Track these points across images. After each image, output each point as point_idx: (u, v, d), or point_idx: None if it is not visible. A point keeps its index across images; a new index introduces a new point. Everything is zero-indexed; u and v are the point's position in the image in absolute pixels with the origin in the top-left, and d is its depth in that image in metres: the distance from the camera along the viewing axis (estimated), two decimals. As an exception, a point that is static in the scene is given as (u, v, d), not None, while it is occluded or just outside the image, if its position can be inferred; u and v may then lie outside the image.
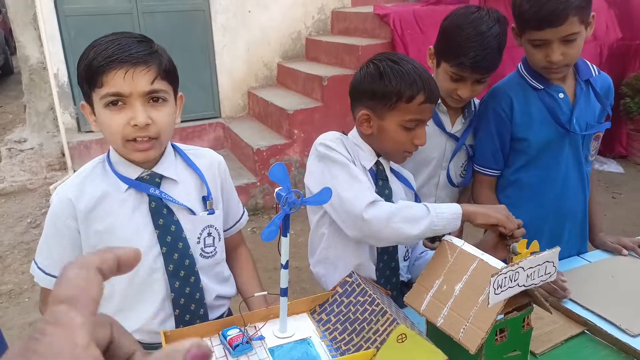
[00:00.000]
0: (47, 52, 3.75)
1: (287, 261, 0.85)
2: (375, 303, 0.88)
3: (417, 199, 1.29)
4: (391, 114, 1.15)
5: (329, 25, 4.77)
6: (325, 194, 0.85)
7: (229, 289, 1.20)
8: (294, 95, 4.26)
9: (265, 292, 1.06)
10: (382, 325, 0.84)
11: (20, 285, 2.88)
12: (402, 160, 1.24)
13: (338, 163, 1.14)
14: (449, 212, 1.06)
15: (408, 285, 1.26)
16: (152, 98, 0.98)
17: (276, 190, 0.80)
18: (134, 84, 0.94)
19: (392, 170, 1.28)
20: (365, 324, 0.87)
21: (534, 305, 0.91)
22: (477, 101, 1.53)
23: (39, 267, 1.06)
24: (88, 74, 0.96)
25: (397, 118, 1.15)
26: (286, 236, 0.83)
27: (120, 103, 0.96)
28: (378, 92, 1.15)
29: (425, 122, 1.19)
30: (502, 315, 0.87)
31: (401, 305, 1.01)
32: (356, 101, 1.23)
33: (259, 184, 3.80)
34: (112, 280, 1.07)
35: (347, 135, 1.27)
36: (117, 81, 0.93)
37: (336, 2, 4.73)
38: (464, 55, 1.28)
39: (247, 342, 0.86)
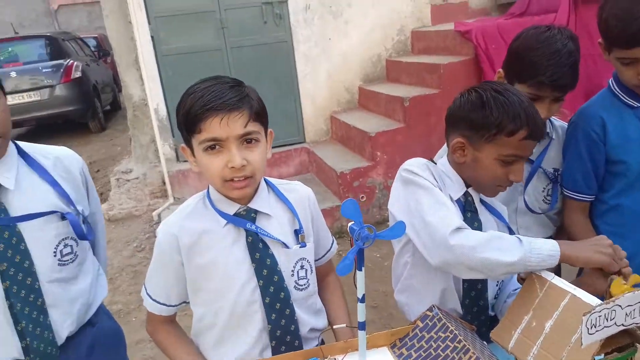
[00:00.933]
0: (148, 90, 4.11)
1: (364, 295, 0.86)
2: (457, 340, 0.86)
3: (511, 233, 1.23)
4: (489, 146, 1.11)
5: (409, 46, 4.75)
6: (398, 228, 0.85)
7: (322, 321, 1.21)
8: (375, 117, 4.28)
9: (344, 325, 1.06)
10: (465, 363, 0.81)
11: (128, 305, 3.13)
12: (494, 194, 1.19)
13: (423, 188, 1.11)
14: (546, 248, 0.98)
15: (494, 319, 1.20)
16: (246, 140, 1.04)
17: (349, 225, 0.81)
18: (229, 129, 1.01)
19: (482, 202, 1.23)
20: (447, 361, 0.84)
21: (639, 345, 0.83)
22: (555, 122, 1.45)
23: (147, 293, 1.16)
24: (187, 121, 1.04)
25: (495, 151, 1.10)
26: (361, 270, 0.84)
27: (217, 147, 1.03)
28: (477, 121, 1.11)
29: (525, 159, 1.14)
30: (600, 357, 0.81)
31: (487, 340, 0.97)
32: (452, 128, 1.20)
33: (343, 207, 3.83)
34: (215, 311, 1.15)
35: (433, 162, 1.25)
36: (214, 127, 1.00)
37: (415, 22, 4.71)
38: (542, 74, 1.24)
39: (328, 375, 0.87)
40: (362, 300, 0.86)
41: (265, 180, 1.17)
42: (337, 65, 4.57)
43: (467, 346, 0.83)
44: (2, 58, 7.25)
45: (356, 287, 0.87)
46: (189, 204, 1.16)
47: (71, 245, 1.21)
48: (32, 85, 6.98)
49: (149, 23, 4.07)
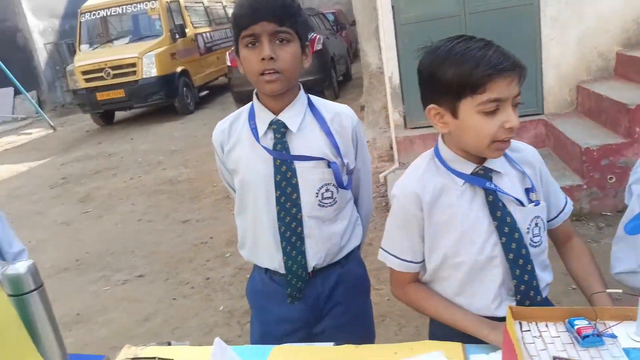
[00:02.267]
0: (385, 58, 4.30)
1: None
2: None
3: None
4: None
5: (693, 1, 3.90)
6: None
7: (550, 277, 1.19)
8: (637, 88, 3.67)
9: (620, 290, 0.99)
10: None
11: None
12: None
13: None
14: None
15: None
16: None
17: None
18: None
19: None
20: None
21: None
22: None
23: (390, 254, 1.21)
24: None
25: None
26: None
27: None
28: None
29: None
30: None
31: None
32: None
33: (585, 187, 3.45)
34: (453, 266, 1.22)
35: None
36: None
37: None
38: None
39: (597, 335, 0.83)
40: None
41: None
42: (590, 27, 4.03)
43: None
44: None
45: None
46: (420, 164, 1.19)
47: (332, 191, 1.35)
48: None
49: (391, -8, 4.22)
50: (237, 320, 2.94)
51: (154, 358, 0.89)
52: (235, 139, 1.38)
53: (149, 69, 8.73)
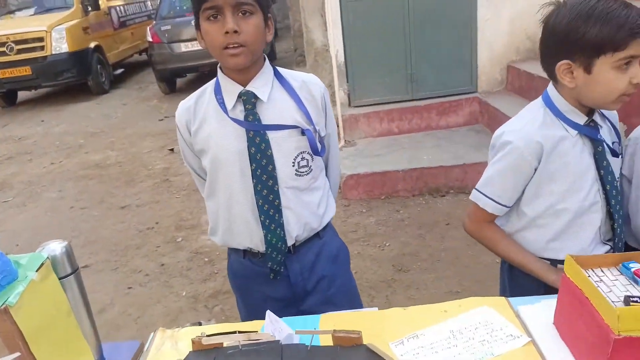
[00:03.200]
0: (330, 35, 4.29)
1: None
2: None
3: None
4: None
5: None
6: None
7: None
8: (562, 67, 4.01)
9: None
10: None
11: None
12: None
13: None
14: None
15: None
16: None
17: None
18: None
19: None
20: None
21: None
22: None
23: (486, 195, 1.27)
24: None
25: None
26: None
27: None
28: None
29: None
30: None
31: None
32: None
33: (521, 158, 3.73)
34: (556, 212, 1.27)
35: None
36: None
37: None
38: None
39: (652, 277, 0.91)
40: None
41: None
42: (521, 10, 4.31)
43: None
44: (185, 7, 8.01)
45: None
46: (535, 115, 1.22)
47: (307, 159, 1.34)
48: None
49: (336, -31, 4.20)
50: (203, 305, 2.85)
51: (234, 332, 0.84)
52: (202, 116, 1.33)
53: (59, 44, 7.99)
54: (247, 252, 1.41)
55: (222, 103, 1.29)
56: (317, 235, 1.43)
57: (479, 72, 4.52)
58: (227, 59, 1.21)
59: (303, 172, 1.34)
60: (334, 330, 0.85)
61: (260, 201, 1.31)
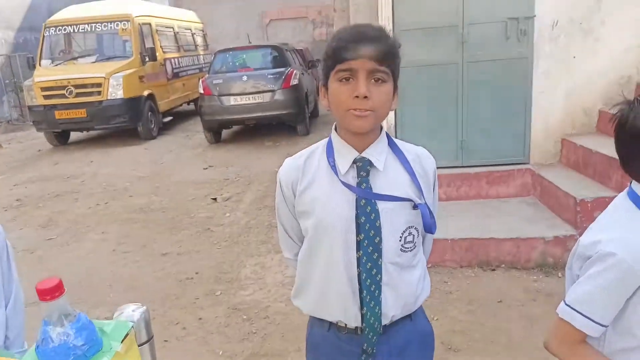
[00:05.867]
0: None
1: None
2: None
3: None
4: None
5: (668, 68, 4.23)
6: None
7: None
8: (623, 144, 3.88)
9: None
10: None
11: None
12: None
13: None
14: None
15: None
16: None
17: None
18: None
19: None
20: None
21: None
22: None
23: (585, 317, 1.10)
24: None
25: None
26: None
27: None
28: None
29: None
30: None
31: None
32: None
33: (578, 237, 3.55)
34: None
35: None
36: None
37: (679, 42, 4.18)
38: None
39: None
40: None
41: None
42: (578, 85, 4.27)
43: None
44: (238, 64, 8.35)
45: None
46: (633, 219, 1.12)
47: (413, 235, 1.28)
48: (258, 89, 7.91)
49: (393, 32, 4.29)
50: (241, 366, 2.73)
51: None
52: (311, 177, 1.28)
53: (115, 91, 8.39)
54: (332, 325, 1.32)
55: (334, 166, 1.24)
56: (409, 317, 1.33)
57: (532, 143, 4.44)
58: (351, 119, 1.17)
59: (408, 247, 1.27)
60: None
61: (364, 275, 1.23)
